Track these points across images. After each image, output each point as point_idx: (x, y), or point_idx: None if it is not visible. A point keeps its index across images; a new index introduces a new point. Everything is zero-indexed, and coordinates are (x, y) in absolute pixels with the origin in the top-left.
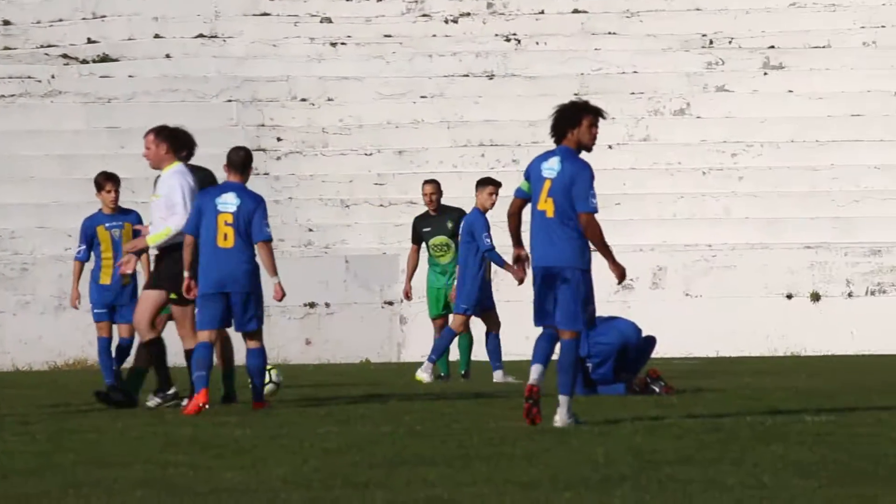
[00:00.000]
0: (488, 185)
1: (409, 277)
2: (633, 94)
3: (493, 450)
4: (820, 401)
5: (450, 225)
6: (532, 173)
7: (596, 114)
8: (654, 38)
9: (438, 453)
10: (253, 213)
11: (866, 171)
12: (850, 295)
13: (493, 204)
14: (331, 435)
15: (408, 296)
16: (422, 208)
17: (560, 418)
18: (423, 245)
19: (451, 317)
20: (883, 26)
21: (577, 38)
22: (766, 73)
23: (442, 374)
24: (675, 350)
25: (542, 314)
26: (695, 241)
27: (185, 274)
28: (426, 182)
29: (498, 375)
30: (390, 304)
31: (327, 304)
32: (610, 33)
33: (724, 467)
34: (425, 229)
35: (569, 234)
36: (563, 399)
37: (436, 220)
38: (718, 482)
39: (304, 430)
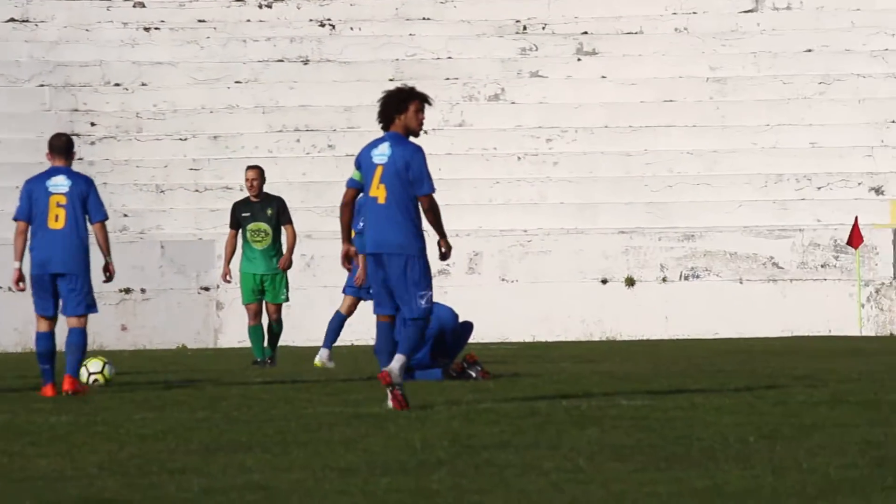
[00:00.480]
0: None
1: (227, 261)
2: (447, 79)
3: (311, 435)
4: (635, 385)
5: (269, 212)
6: (363, 161)
7: (422, 100)
8: (469, 24)
9: (255, 439)
10: (87, 194)
11: (679, 156)
12: (664, 280)
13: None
14: (147, 421)
15: (225, 279)
16: (238, 194)
17: (391, 368)
18: (241, 230)
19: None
20: (694, 13)
21: (392, 23)
22: (579, 59)
23: (258, 360)
24: (492, 335)
25: (380, 302)
26: (510, 227)
27: (15, 264)
28: (249, 168)
29: (323, 355)
30: (206, 289)
31: (143, 290)
32: (424, 19)
33: (540, 452)
34: (244, 214)
35: (401, 220)
36: (398, 356)
37: (256, 206)
38: (535, 466)
39: (121, 417)
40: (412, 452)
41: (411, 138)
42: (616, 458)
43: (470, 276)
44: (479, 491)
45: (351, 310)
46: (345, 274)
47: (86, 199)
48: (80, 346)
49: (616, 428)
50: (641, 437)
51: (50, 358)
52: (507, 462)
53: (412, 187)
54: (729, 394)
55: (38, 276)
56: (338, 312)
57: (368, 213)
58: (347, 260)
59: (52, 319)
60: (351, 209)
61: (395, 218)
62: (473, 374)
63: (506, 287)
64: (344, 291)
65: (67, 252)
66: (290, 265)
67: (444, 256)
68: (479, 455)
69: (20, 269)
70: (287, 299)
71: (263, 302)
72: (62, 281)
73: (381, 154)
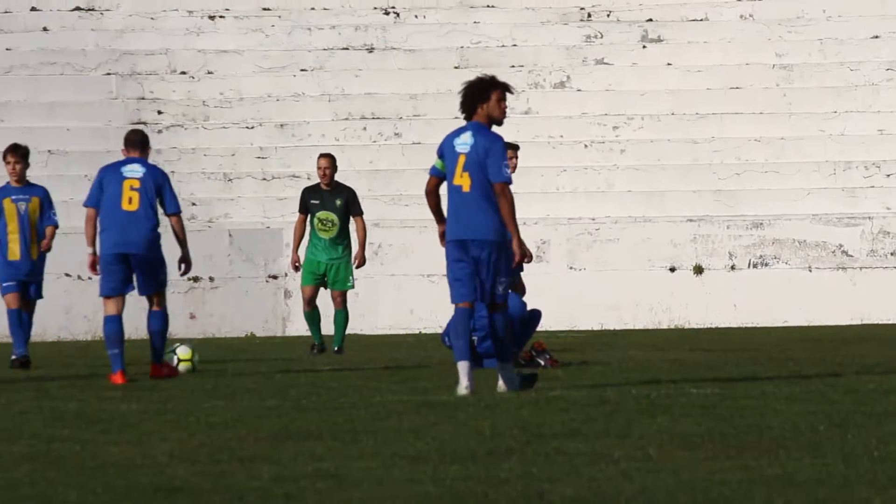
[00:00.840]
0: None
1: (296, 248)
2: (512, 67)
3: (380, 424)
4: (704, 373)
5: (338, 203)
6: (445, 150)
7: (504, 88)
8: (533, 11)
9: (325, 427)
10: (162, 184)
11: (746, 143)
12: (732, 268)
13: (514, 168)
14: (217, 409)
15: (295, 265)
16: (305, 182)
17: (502, 385)
18: (309, 217)
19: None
20: None
21: (456, 11)
22: (644, 47)
23: (316, 344)
24: (560, 323)
25: (458, 290)
26: (578, 215)
27: (88, 250)
28: (321, 156)
29: None
30: (275, 278)
31: (211, 279)
32: (488, 6)
33: (610, 440)
34: (314, 201)
35: (486, 207)
36: (503, 366)
37: (326, 195)
38: (605, 455)
39: (190, 405)
40: (481, 441)
41: (494, 127)
42: (686, 446)
43: (538, 265)
44: (549, 479)
45: (518, 289)
46: (409, 260)
47: (160, 189)
48: (161, 331)
49: (686, 416)
50: (711, 426)
51: (119, 342)
52: (576, 450)
53: (489, 174)
54: (799, 382)
55: (110, 255)
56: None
57: (452, 202)
58: (444, 238)
59: (120, 299)
60: (436, 196)
61: (480, 205)
62: (542, 363)
63: (574, 275)
64: None
65: (142, 234)
66: (364, 262)
67: (520, 262)
68: (549, 443)
69: (94, 254)
70: (353, 286)
71: (320, 288)
72: (137, 263)
73: (464, 143)
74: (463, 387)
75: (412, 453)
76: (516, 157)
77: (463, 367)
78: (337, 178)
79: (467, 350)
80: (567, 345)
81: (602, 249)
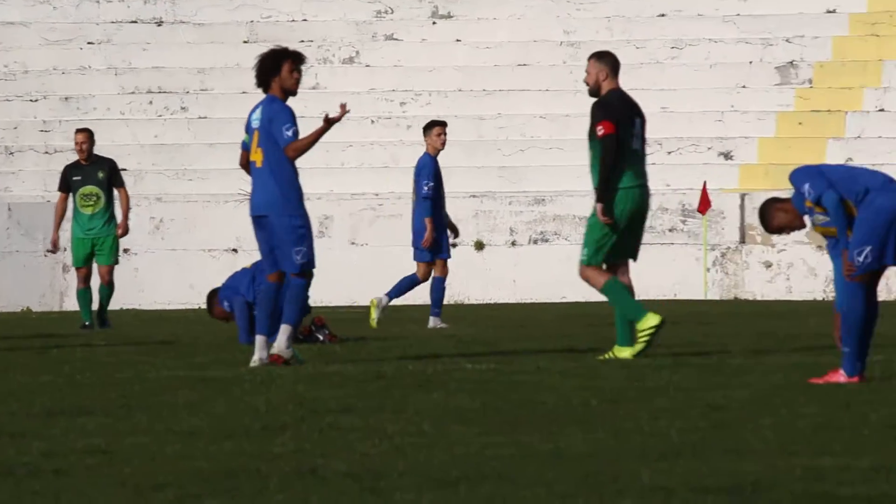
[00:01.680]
0: (434, 126)
1: (58, 226)
2: (302, 41)
3: (154, 399)
4: (481, 349)
5: (101, 175)
6: (247, 125)
7: (295, 58)
8: None
9: (98, 403)
10: None
11: (532, 120)
12: (513, 244)
13: (443, 143)
14: None
15: (55, 245)
16: None
17: (278, 345)
18: (71, 194)
19: (418, 265)
20: None
21: None
22: (434, 23)
23: (87, 324)
24: (341, 299)
25: (267, 263)
26: (362, 190)
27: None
28: (78, 131)
29: (433, 321)
30: (53, 252)
31: None
32: None
33: (384, 415)
34: (75, 178)
35: (275, 182)
36: (284, 327)
37: (87, 170)
38: (379, 430)
39: None
40: (256, 416)
41: (290, 99)
42: (460, 421)
43: (319, 240)
44: (322, 455)
45: (427, 274)
46: (191, 235)
47: None
48: None
49: (461, 391)
50: (486, 401)
51: None
52: (350, 426)
53: (279, 142)
54: (574, 357)
55: None
56: (435, 279)
57: (252, 177)
58: None
59: None
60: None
61: (270, 180)
62: (321, 338)
63: (355, 250)
64: (426, 260)
65: None
66: (127, 232)
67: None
68: (323, 419)
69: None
70: (118, 262)
71: (93, 266)
72: None
73: (257, 118)
74: (256, 359)
75: (186, 429)
76: (445, 134)
77: (260, 340)
78: (117, 151)
79: (267, 324)
80: (347, 320)
81: (385, 225)
